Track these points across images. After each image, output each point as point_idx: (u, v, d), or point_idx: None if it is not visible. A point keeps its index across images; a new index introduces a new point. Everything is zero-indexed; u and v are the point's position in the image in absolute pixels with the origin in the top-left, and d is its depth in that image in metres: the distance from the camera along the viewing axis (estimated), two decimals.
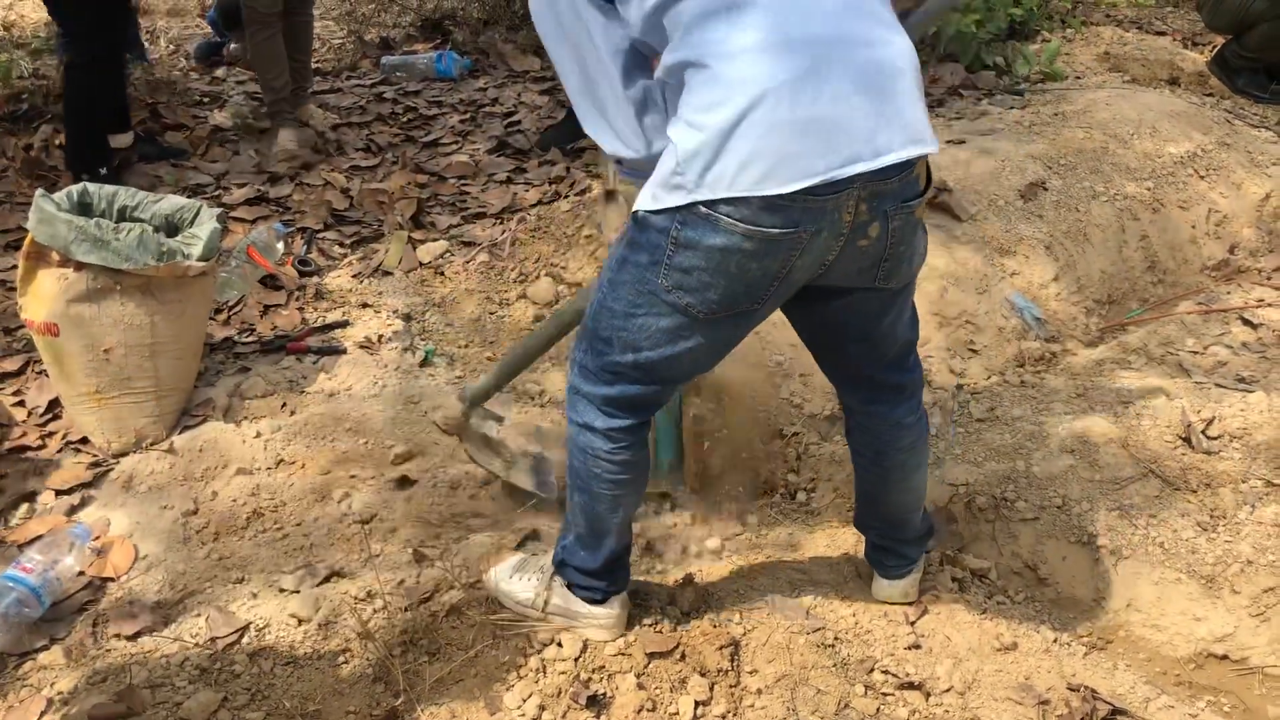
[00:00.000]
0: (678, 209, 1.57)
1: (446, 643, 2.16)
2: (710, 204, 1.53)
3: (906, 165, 1.58)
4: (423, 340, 3.13)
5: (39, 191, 2.59)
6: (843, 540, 2.49)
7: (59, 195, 2.64)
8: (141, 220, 2.74)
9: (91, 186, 2.73)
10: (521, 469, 2.63)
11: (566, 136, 4.11)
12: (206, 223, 2.73)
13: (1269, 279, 3.49)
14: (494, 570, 2.24)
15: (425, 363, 3.02)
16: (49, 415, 2.81)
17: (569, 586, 2.09)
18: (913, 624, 2.21)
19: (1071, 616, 2.36)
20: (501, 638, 2.16)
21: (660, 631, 2.14)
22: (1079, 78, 4.85)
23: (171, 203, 2.79)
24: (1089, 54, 5.14)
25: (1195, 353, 3.03)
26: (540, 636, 2.15)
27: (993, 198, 3.66)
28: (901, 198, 1.62)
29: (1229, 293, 3.44)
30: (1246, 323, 3.17)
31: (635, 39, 1.68)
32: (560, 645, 2.12)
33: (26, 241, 2.59)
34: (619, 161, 1.83)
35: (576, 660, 2.09)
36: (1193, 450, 2.62)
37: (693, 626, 2.15)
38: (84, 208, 2.70)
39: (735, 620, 2.21)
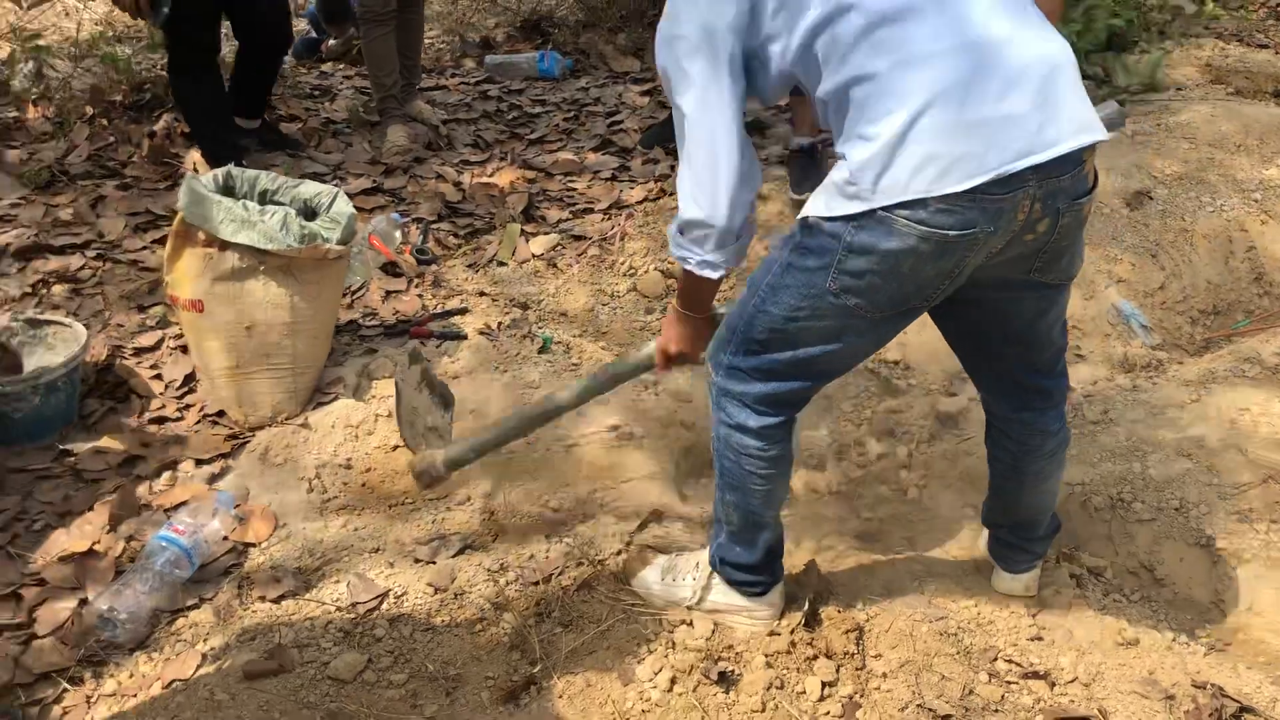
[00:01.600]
0: (852, 216, 1.61)
1: (579, 615, 2.24)
2: (888, 209, 1.57)
3: (1077, 159, 1.61)
4: (539, 328, 3.22)
5: (188, 174, 2.71)
6: (959, 535, 2.53)
7: (205, 177, 2.76)
8: (282, 204, 2.85)
9: (235, 170, 2.85)
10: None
11: (670, 135, 4.17)
12: (343, 207, 2.83)
13: None
14: (642, 576, 2.28)
15: (543, 350, 3.10)
16: (185, 388, 2.93)
17: (729, 583, 2.15)
18: (1033, 617, 2.25)
19: (1189, 617, 2.37)
20: (632, 614, 2.23)
21: (789, 616, 2.20)
22: (1180, 89, 4.83)
23: (309, 188, 2.90)
24: (1190, 66, 5.12)
25: None
26: (670, 616, 2.22)
27: (1098, 205, 3.67)
28: (1073, 194, 1.65)
29: None
30: None
31: (778, 73, 1.71)
32: (691, 625, 2.19)
33: (176, 221, 2.72)
34: (681, 233, 1.81)
35: (707, 639, 2.16)
36: None
37: (820, 612, 2.21)
38: (228, 190, 2.81)
39: (859, 607, 2.27)
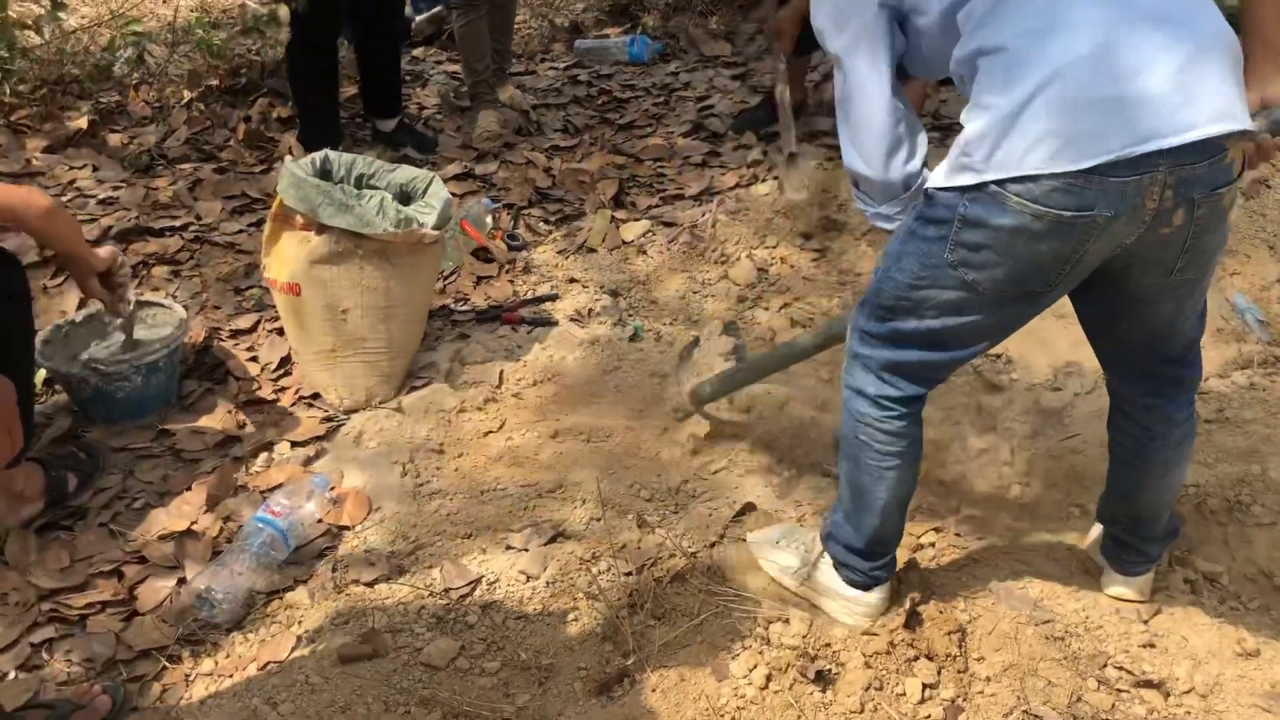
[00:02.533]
0: (965, 187, 1.58)
1: (671, 608, 2.20)
2: (1000, 183, 1.53)
3: (1217, 147, 1.52)
4: (630, 315, 3.19)
5: (287, 158, 2.73)
6: (1065, 535, 2.44)
7: (303, 161, 2.77)
8: (378, 188, 2.85)
9: (332, 154, 2.86)
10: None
11: (762, 121, 4.11)
12: (439, 193, 2.83)
13: None
14: (757, 534, 2.31)
15: (634, 338, 3.08)
16: (280, 371, 2.96)
17: (834, 566, 2.12)
18: (1145, 622, 2.16)
19: None
20: (726, 608, 2.19)
21: (888, 615, 2.14)
22: None
23: (405, 173, 2.90)
24: None
25: None
26: (765, 613, 2.18)
27: None
28: (1211, 185, 1.55)
29: None
30: None
31: (926, 43, 1.73)
32: (788, 622, 2.14)
33: (275, 204, 2.73)
34: (856, 185, 1.90)
35: (804, 637, 2.11)
36: None
37: (920, 611, 2.14)
38: (325, 174, 2.83)
39: (960, 607, 2.20)
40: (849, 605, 2.13)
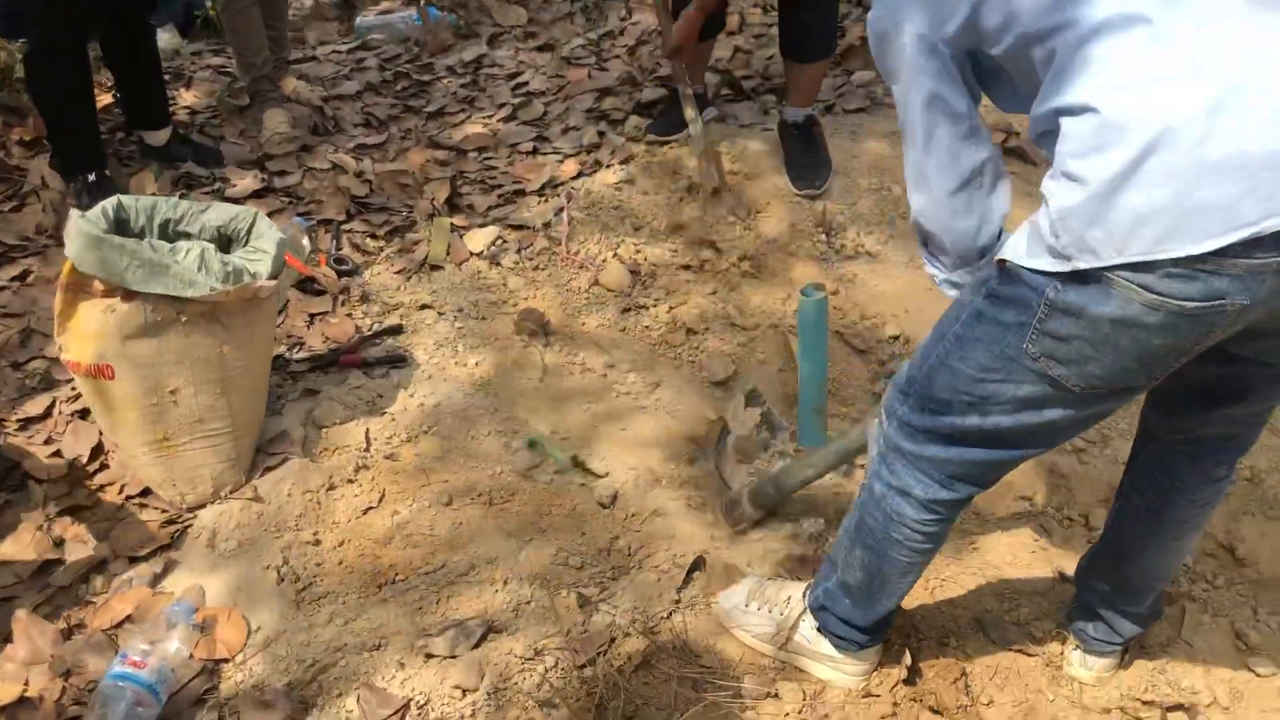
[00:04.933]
0: (1057, 273, 1.28)
1: (644, 702, 1.91)
2: (1103, 268, 1.22)
3: None
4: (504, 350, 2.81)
5: (74, 213, 2.21)
6: (1019, 532, 2.29)
7: (93, 214, 2.25)
8: (190, 234, 2.37)
9: (127, 200, 2.34)
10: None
11: (671, 127, 3.54)
12: (268, 233, 2.37)
13: None
14: (725, 596, 2.04)
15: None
16: (95, 464, 2.44)
17: (822, 629, 1.87)
18: None
19: (1278, 598, 2.19)
20: (704, 694, 1.91)
21: (884, 667, 1.92)
22: None
23: (220, 211, 2.41)
24: None
25: None
26: (749, 689, 1.91)
27: None
28: None
29: None
30: None
31: (1007, 78, 1.44)
32: (777, 696, 1.90)
33: (65, 271, 2.21)
34: (924, 244, 1.62)
35: (799, 712, 1.86)
36: None
37: (916, 660, 1.94)
38: (120, 225, 2.31)
39: (953, 644, 2.01)
40: (839, 666, 1.90)
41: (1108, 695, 1.90)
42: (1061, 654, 1.98)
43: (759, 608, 1.97)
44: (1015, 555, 2.24)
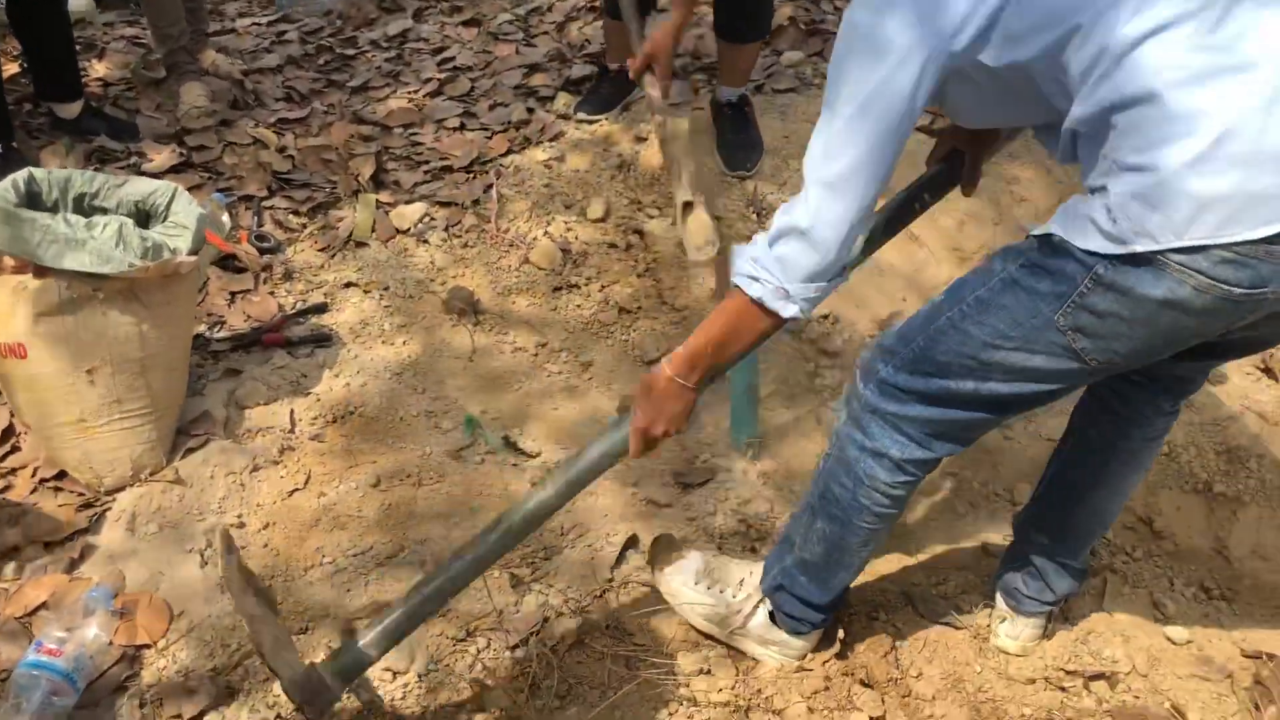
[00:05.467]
0: (1112, 255, 1.29)
1: (577, 681, 1.91)
2: (1159, 251, 1.24)
3: None
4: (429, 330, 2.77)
5: None
6: (961, 514, 2.33)
7: (2, 187, 2.17)
8: (106, 209, 2.29)
9: (39, 173, 2.26)
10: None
11: (611, 97, 3.49)
12: (187, 208, 2.30)
13: None
14: (670, 573, 1.98)
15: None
16: (5, 448, 2.36)
17: (774, 614, 1.86)
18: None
19: (1193, 569, 2.26)
20: (639, 671, 1.91)
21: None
22: None
23: (139, 185, 2.34)
24: None
25: None
26: (683, 666, 1.92)
27: None
28: None
29: None
30: None
31: (997, 86, 1.41)
32: (710, 673, 1.90)
33: None
34: (772, 242, 1.47)
35: (733, 688, 1.87)
36: (1277, 381, 2.56)
37: (849, 634, 1.96)
38: (33, 198, 2.23)
39: (883, 618, 2.04)
40: (785, 648, 1.91)
41: (1032, 666, 1.94)
42: (989, 627, 2.01)
43: (709, 587, 1.94)
44: (942, 530, 2.27)
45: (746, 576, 1.93)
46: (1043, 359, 1.41)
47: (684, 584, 1.96)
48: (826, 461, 1.71)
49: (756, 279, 1.46)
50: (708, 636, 1.96)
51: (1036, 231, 1.39)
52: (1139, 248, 1.24)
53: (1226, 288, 1.23)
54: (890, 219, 1.85)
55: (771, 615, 1.88)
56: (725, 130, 3.25)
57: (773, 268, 1.45)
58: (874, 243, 1.84)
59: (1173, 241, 1.22)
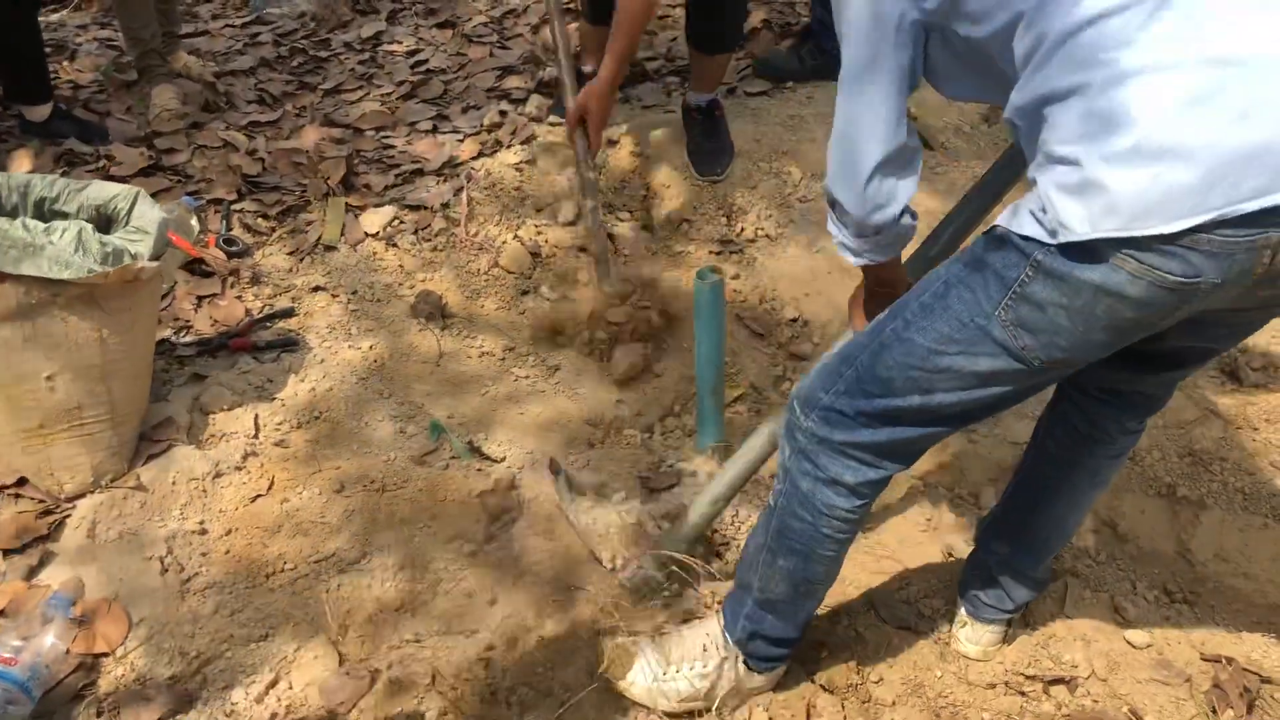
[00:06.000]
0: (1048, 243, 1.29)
1: (529, 688, 1.90)
2: (1096, 239, 1.23)
3: None
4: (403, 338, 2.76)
5: None
6: (923, 519, 2.33)
7: None
8: (67, 214, 2.28)
9: None
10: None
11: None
12: (149, 214, 2.28)
13: None
14: (633, 677, 1.87)
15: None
16: None
17: (752, 658, 1.83)
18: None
19: (1156, 572, 2.26)
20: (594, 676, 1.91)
21: None
22: None
23: (100, 190, 2.33)
24: None
25: None
26: None
27: None
28: None
29: None
30: None
31: (967, 61, 1.44)
32: None
33: None
34: (831, 206, 1.59)
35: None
36: (1242, 386, 2.56)
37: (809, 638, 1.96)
38: None
39: (844, 623, 2.04)
40: (759, 690, 1.89)
41: (993, 670, 1.94)
42: (950, 632, 2.02)
43: (677, 670, 1.86)
44: (906, 534, 2.28)
45: (705, 640, 1.87)
46: (987, 361, 1.39)
47: (652, 679, 1.86)
48: (778, 499, 1.68)
49: (838, 242, 1.64)
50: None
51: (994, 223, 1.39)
52: (1073, 237, 1.24)
53: (1160, 274, 1.22)
54: (969, 213, 1.93)
55: (746, 662, 1.83)
56: (696, 135, 3.25)
57: (834, 229, 1.63)
58: (961, 232, 1.93)
59: (1105, 232, 1.21)
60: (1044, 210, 1.26)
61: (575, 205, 3.10)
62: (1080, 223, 1.21)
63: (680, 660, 1.85)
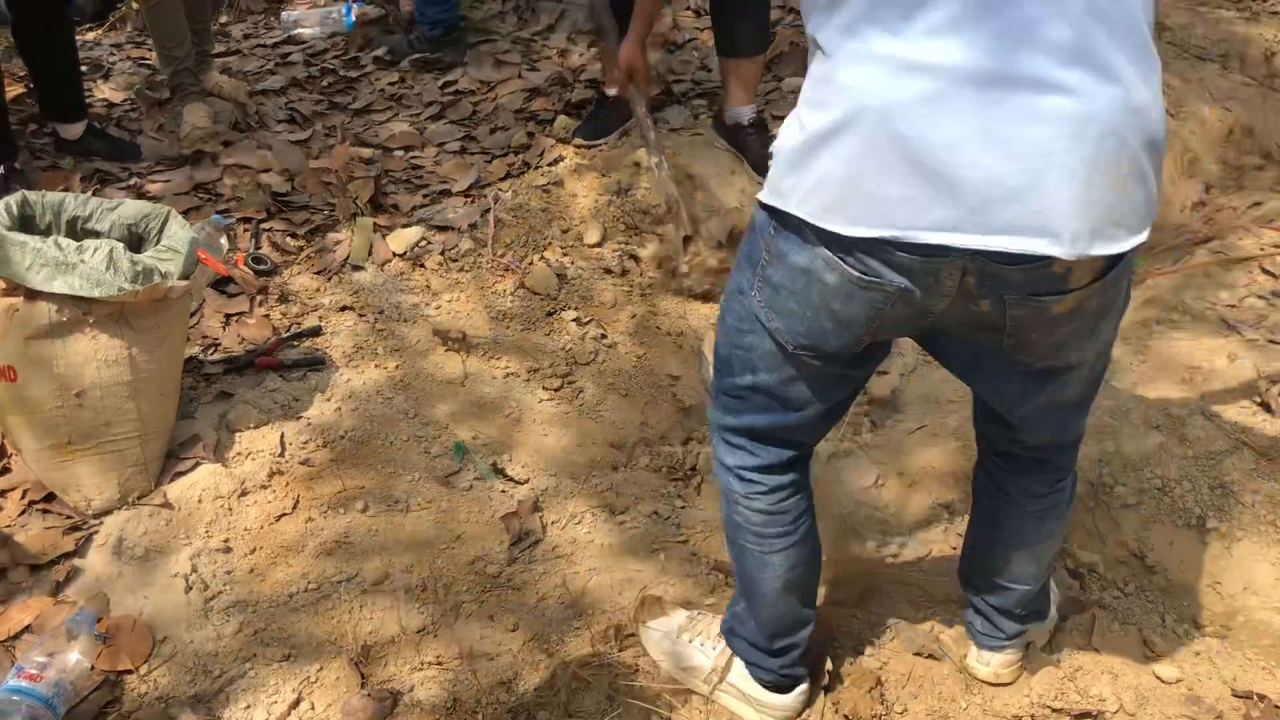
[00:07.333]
0: (773, 210, 1.30)
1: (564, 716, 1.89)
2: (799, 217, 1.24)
3: (1041, 260, 1.17)
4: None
5: None
6: (938, 539, 2.31)
7: None
8: (99, 233, 2.30)
9: (32, 195, 2.27)
10: None
11: (607, 124, 3.48)
12: (179, 233, 2.31)
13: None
14: (655, 626, 1.94)
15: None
16: None
17: (744, 663, 1.83)
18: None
19: (1185, 604, 2.23)
20: (626, 705, 1.90)
21: None
22: None
23: (132, 208, 2.35)
24: None
25: (1232, 306, 2.95)
26: (668, 701, 1.90)
27: None
28: (1029, 290, 1.22)
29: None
30: (1266, 272, 3.11)
31: None
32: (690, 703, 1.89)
33: None
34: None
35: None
36: (1274, 416, 2.53)
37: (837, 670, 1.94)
38: (25, 221, 2.24)
39: (868, 652, 2.02)
40: (762, 709, 1.86)
41: (1019, 703, 1.92)
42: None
43: (689, 640, 1.90)
44: (931, 561, 2.26)
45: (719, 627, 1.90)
46: (769, 342, 1.40)
47: (665, 637, 1.92)
48: None
49: None
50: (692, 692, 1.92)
51: None
52: (772, 201, 1.25)
53: (845, 267, 1.22)
54: None
55: (744, 663, 1.84)
56: (753, 148, 3.25)
57: None
58: None
59: (793, 209, 1.22)
60: (774, 165, 1.28)
61: (601, 227, 3.11)
62: (787, 194, 1.24)
63: (696, 634, 1.90)
